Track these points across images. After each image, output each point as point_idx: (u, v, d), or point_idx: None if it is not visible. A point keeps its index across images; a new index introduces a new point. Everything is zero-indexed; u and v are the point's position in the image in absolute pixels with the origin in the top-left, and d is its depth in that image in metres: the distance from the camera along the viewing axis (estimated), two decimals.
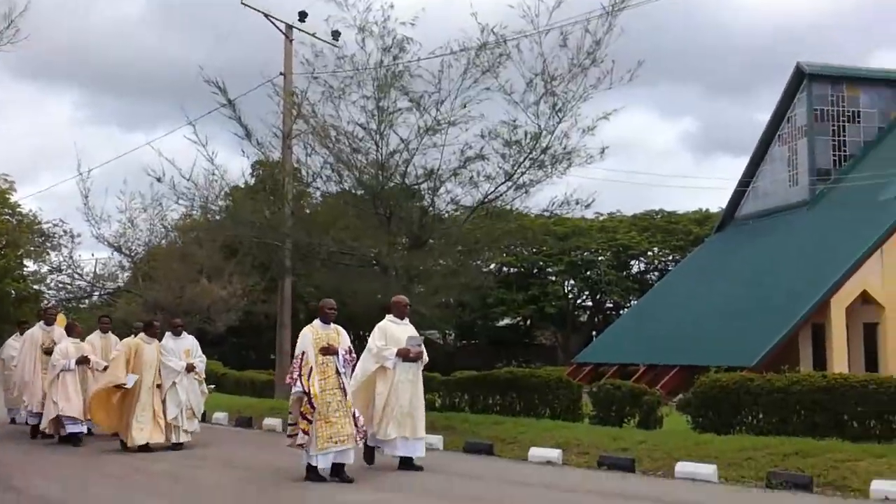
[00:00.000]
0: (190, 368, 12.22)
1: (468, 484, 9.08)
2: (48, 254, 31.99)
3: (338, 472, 8.95)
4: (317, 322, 9.54)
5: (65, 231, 32.10)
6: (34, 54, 61.57)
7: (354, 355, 9.62)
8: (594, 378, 22.39)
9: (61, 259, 28.76)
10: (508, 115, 13.79)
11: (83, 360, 12.94)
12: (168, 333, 12.51)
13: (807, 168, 28.87)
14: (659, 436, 11.22)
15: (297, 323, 22.82)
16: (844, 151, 28.95)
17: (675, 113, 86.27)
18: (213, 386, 15.22)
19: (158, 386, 12.03)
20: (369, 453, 9.86)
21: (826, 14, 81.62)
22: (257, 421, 15.78)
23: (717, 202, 45.19)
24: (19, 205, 35.60)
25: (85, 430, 12.81)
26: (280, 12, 20.60)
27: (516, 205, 15.40)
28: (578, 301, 43.52)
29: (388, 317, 10.16)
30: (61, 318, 15.07)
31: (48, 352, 13.35)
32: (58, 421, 12.68)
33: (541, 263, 40.43)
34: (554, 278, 40.99)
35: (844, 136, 29.05)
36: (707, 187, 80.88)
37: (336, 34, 16.66)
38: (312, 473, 9.02)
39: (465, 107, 13.77)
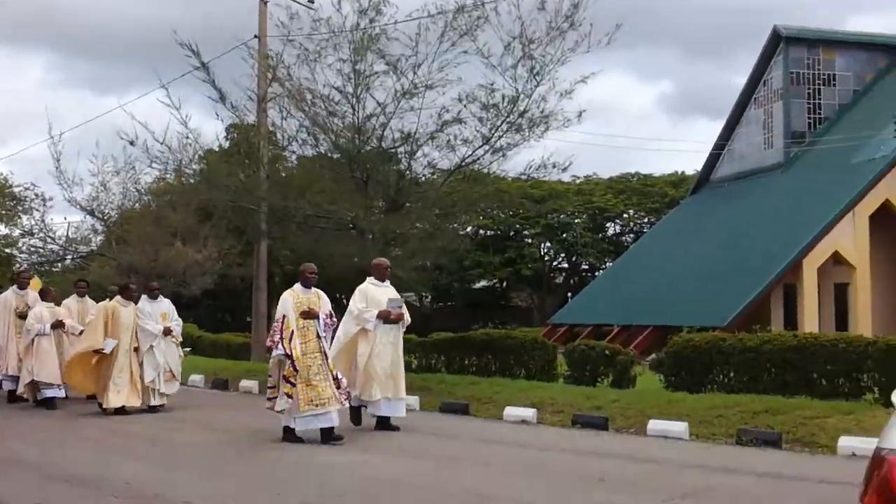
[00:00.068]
0: (167, 332, 12.22)
1: (444, 443, 9.19)
2: (20, 217, 31.59)
3: (326, 436, 8.96)
4: (297, 286, 9.53)
5: (36, 195, 31.80)
6: (6, 17, 60.16)
7: (335, 319, 9.65)
8: (569, 339, 22.60)
9: (33, 223, 28.54)
10: (486, 79, 13.76)
11: (58, 325, 12.88)
12: (144, 296, 12.46)
13: (782, 131, 29.05)
14: (632, 395, 11.39)
15: (272, 286, 22.81)
16: (819, 114, 29.14)
17: (652, 76, 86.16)
18: (188, 349, 15.22)
19: (135, 349, 12.02)
20: (356, 414, 9.92)
21: None
22: (234, 383, 15.83)
23: (693, 165, 45.39)
24: None
25: (62, 395, 12.78)
26: None
27: (493, 168, 15.43)
28: (554, 263, 43.77)
29: (369, 279, 10.17)
30: (35, 282, 14.93)
31: (22, 316, 13.24)
32: (34, 385, 12.67)
33: (517, 226, 40.52)
34: (530, 241, 41.15)
35: (820, 99, 29.22)
36: (683, 150, 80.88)
37: None
38: (290, 435, 9.09)
39: (442, 70, 13.70)
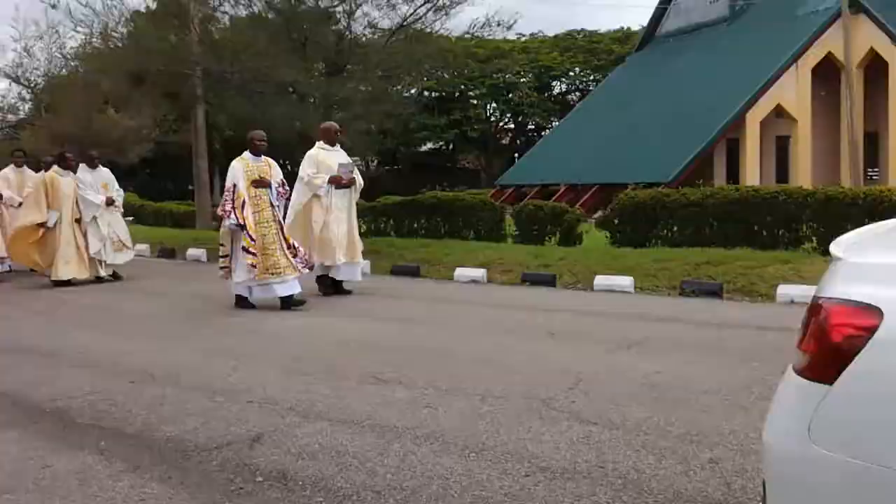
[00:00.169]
0: (109, 202, 12.01)
1: (396, 304, 9.33)
2: None
3: (286, 303, 8.98)
4: (247, 154, 9.28)
5: None
6: None
7: (288, 188, 9.50)
8: (517, 199, 22.81)
9: None
10: None
11: None
12: (83, 166, 12.12)
13: None
14: (579, 252, 11.62)
15: (213, 153, 22.34)
16: None
17: None
18: (130, 218, 14.98)
19: (77, 221, 11.79)
20: (323, 283, 9.92)
21: None
22: (180, 251, 15.73)
23: (639, 20, 44.75)
24: None
25: (6, 268, 12.57)
26: None
27: (437, 27, 15.04)
28: (500, 124, 43.56)
29: (318, 144, 9.94)
30: None
31: None
32: None
33: (462, 87, 39.96)
34: (476, 102, 40.72)
35: None
36: (631, 5, 79.60)
37: None
38: (244, 302, 9.13)
39: None
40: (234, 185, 8.97)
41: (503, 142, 44.46)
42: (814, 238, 10.57)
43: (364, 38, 15.55)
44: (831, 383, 2.04)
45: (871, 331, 1.99)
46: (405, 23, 14.33)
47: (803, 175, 23.67)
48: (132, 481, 3.88)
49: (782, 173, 24.90)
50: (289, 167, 18.09)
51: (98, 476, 3.96)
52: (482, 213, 13.97)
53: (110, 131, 21.01)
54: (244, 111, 14.95)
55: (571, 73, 41.90)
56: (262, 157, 9.32)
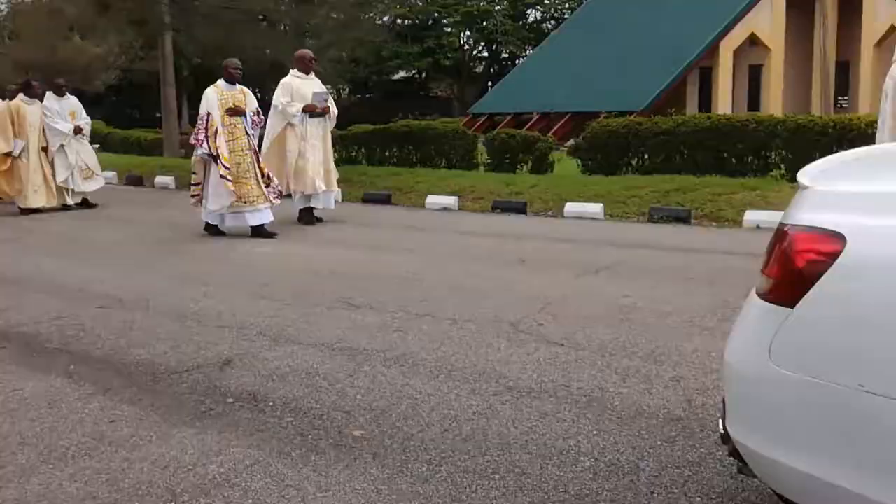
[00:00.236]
0: (77, 131, 11.86)
1: (368, 232, 9.32)
2: None
3: (258, 232, 8.97)
4: (221, 82, 9.11)
5: None
6: None
7: (262, 117, 9.40)
8: (489, 128, 22.68)
9: None
10: None
11: None
12: (50, 94, 11.91)
13: None
14: (550, 180, 11.64)
15: (180, 80, 21.86)
16: None
17: None
18: (96, 145, 14.71)
19: (44, 149, 11.66)
20: (304, 214, 9.83)
21: None
22: (148, 179, 15.56)
23: None
24: None
25: None
26: None
27: None
28: (474, 52, 42.99)
29: (293, 72, 9.78)
30: None
31: None
32: None
33: (436, 15, 39.28)
34: (449, 30, 40.09)
35: None
36: None
37: None
38: (213, 229, 9.11)
39: None
40: (208, 114, 8.84)
41: (476, 70, 43.95)
42: (782, 165, 10.65)
43: None
44: (792, 306, 2.10)
45: (834, 257, 2.03)
46: None
47: (774, 103, 23.73)
48: (102, 403, 3.90)
49: (754, 102, 24.93)
50: (259, 95, 17.78)
51: (68, 399, 3.98)
52: (454, 141, 13.88)
53: (76, 59, 20.51)
54: (214, 39, 14.60)
55: (546, 2, 41.31)
56: (237, 85, 9.16)
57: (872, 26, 23.93)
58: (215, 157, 8.73)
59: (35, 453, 3.36)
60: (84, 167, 11.91)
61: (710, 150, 11.16)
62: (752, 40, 24.32)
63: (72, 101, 12.05)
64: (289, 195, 9.67)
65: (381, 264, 7.21)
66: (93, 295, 6.22)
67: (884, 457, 1.94)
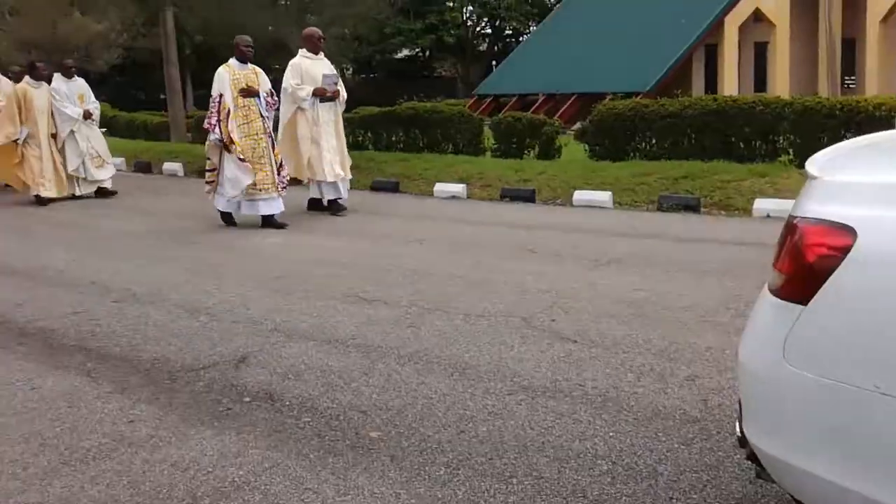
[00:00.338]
0: (87, 116, 11.55)
1: (378, 222, 9.25)
2: None
3: (268, 222, 8.84)
4: (232, 61, 8.88)
5: None
6: None
7: (276, 98, 9.15)
8: (494, 110, 22.60)
9: None
10: None
11: None
12: (58, 76, 11.60)
13: None
14: (558, 166, 11.60)
15: (183, 59, 21.70)
16: None
17: None
18: (104, 129, 14.63)
19: (53, 135, 11.41)
20: (313, 204, 9.74)
21: None
22: (156, 165, 15.52)
23: None
24: None
25: None
26: None
27: None
28: (477, 29, 42.68)
29: (301, 52, 9.52)
30: None
31: None
32: None
33: None
34: (452, 5, 39.75)
35: None
36: None
37: None
38: (227, 217, 9.03)
39: None
40: (221, 96, 8.62)
41: (480, 48, 43.66)
42: (790, 150, 10.60)
43: None
44: (805, 303, 2.04)
45: (845, 251, 1.97)
46: None
47: (781, 83, 23.59)
48: (121, 403, 3.94)
49: (760, 82, 24.79)
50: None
51: (86, 398, 4.02)
52: (460, 125, 13.81)
53: (77, 36, 20.32)
54: (215, 15, 14.51)
55: None
56: (249, 64, 8.93)
57: (878, 0, 23.72)
58: (227, 145, 8.59)
59: (56, 454, 3.40)
60: (95, 155, 11.63)
61: (717, 134, 11.10)
62: (757, 16, 24.16)
63: (80, 84, 11.76)
64: (300, 182, 9.60)
65: (392, 256, 7.22)
66: (106, 288, 6.25)
67: None
